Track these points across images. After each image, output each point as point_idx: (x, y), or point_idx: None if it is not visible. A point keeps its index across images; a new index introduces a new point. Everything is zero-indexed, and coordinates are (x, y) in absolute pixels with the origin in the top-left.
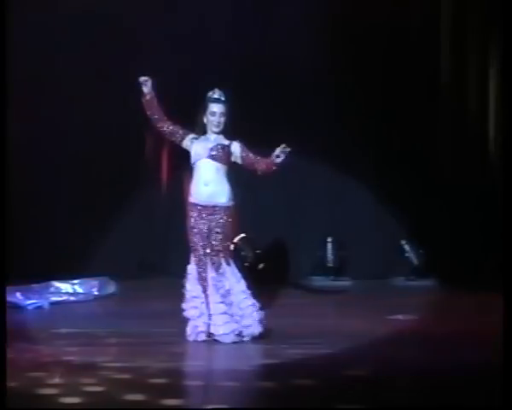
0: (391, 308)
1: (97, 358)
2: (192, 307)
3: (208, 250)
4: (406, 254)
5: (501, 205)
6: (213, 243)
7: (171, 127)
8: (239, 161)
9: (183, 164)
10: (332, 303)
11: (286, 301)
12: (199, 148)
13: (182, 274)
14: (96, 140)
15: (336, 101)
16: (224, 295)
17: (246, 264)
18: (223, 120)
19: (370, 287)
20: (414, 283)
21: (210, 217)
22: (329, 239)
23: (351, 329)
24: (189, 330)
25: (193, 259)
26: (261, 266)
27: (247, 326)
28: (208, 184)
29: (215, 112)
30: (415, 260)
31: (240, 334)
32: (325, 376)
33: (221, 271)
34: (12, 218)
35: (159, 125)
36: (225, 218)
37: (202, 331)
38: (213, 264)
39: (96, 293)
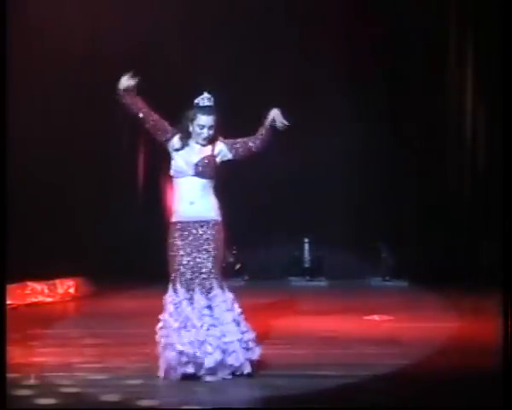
0: (367, 308)
1: (73, 359)
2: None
3: (197, 273)
4: (383, 255)
5: (501, 205)
6: (202, 262)
7: (157, 121)
8: (230, 156)
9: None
10: (308, 303)
11: (262, 300)
12: (181, 161)
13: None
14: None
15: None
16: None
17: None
18: (212, 132)
19: (346, 287)
20: (390, 283)
21: (196, 235)
22: (306, 240)
23: (326, 329)
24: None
25: (176, 285)
26: (238, 266)
27: (229, 365)
28: (194, 202)
29: (203, 125)
30: (391, 261)
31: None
32: (299, 376)
33: (211, 295)
34: None
35: (141, 116)
36: (214, 233)
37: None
38: (203, 288)
39: (72, 293)
